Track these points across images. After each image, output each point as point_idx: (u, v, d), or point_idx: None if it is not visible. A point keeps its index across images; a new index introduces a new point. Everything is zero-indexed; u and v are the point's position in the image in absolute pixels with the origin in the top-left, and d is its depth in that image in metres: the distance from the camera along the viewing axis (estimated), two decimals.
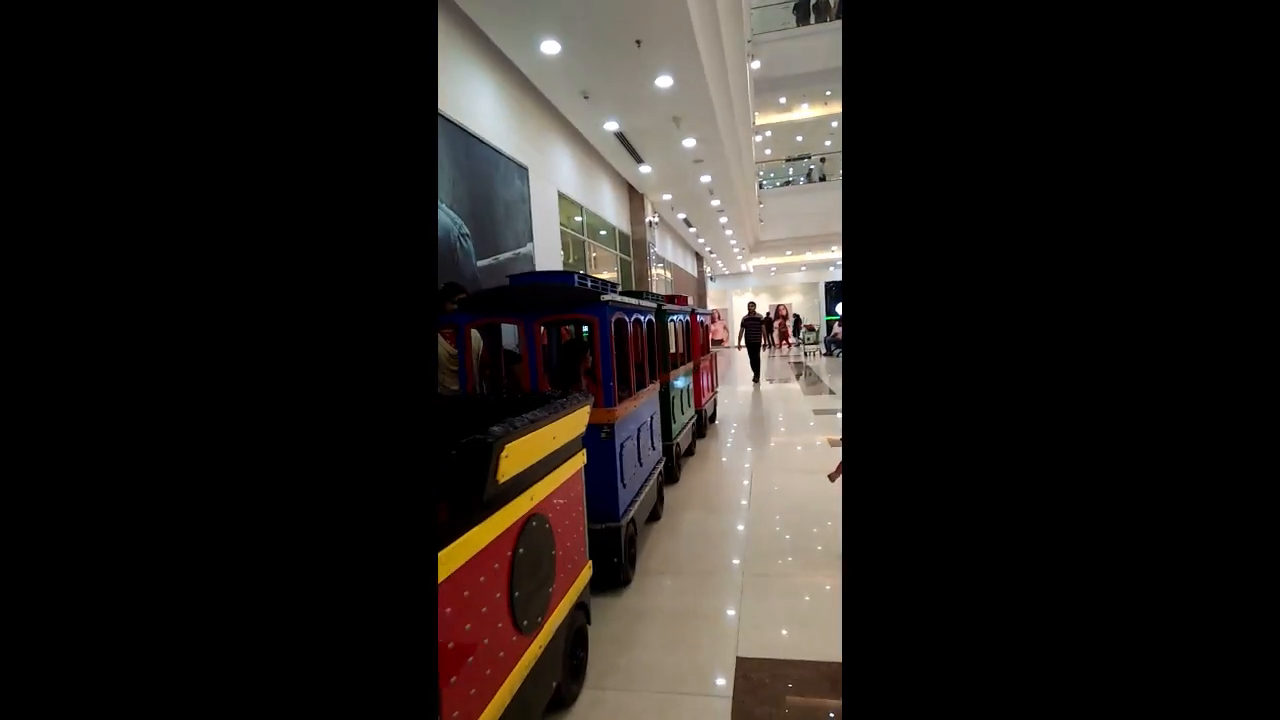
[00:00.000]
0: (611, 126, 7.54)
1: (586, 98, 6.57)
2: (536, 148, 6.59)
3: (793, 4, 16.75)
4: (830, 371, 13.15)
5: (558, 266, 7.22)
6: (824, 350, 18.62)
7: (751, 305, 13.13)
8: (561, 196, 7.49)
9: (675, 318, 5.45)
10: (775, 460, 5.61)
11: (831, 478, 3.64)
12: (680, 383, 5.28)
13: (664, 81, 6.20)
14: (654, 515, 3.88)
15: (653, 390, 3.97)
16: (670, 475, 4.75)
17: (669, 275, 15.48)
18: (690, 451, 5.74)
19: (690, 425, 5.77)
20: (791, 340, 23.16)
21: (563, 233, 7.99)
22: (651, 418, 3.89)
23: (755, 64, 13.98)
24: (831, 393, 10.25)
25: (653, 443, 3.86)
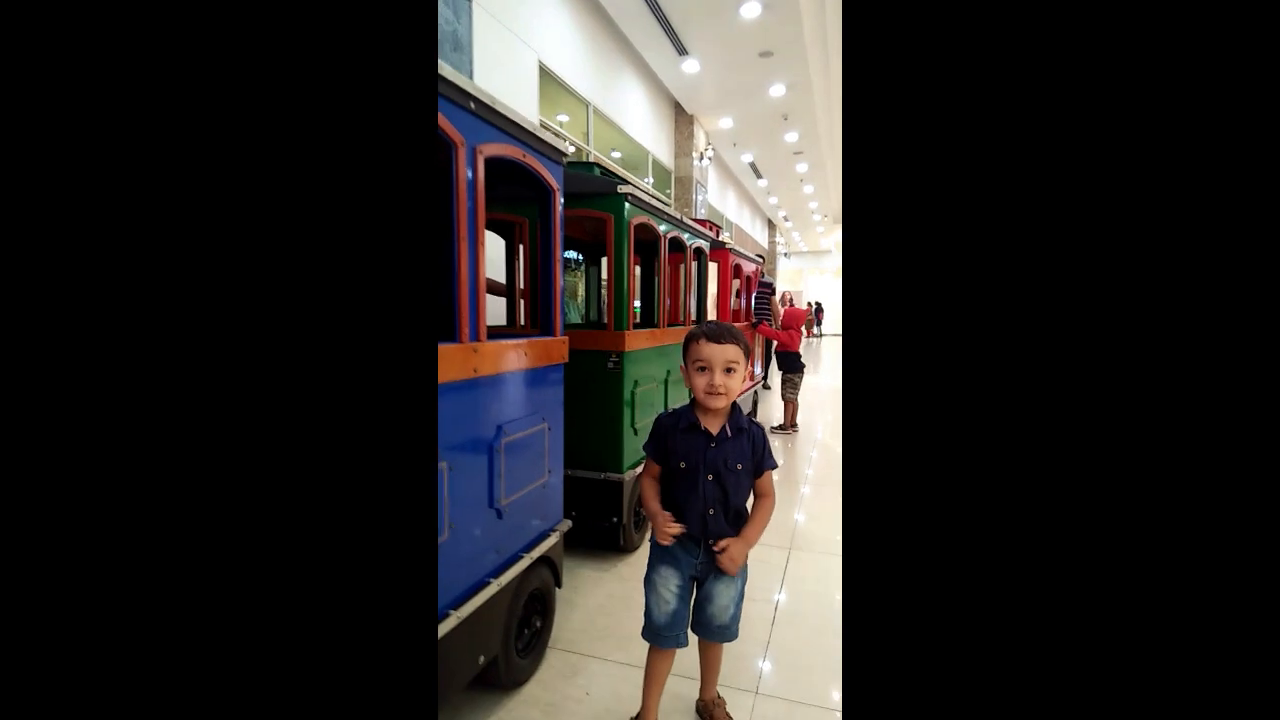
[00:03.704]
0: None
1: None
2: None
3: None
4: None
5: None
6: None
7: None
8: (545, 73, 5.02)
9: (678, 234, 2.90)
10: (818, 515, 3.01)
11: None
12: (647, 360, 2.77)
13: None
14: (485, 679, 1.45)
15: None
16: (615, 541, 2.31)
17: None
18: None
19: None
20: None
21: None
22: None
23: None
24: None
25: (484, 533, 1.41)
